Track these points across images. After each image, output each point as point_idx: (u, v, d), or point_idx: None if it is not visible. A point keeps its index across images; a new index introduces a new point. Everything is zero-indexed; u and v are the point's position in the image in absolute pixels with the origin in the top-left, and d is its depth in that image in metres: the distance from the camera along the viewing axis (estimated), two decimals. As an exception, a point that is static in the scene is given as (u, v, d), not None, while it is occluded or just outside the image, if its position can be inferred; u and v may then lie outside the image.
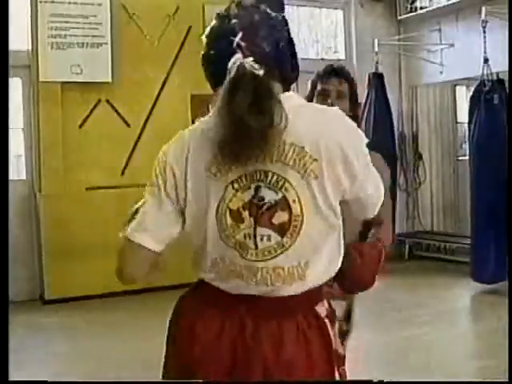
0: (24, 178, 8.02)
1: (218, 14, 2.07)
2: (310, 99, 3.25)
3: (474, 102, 7.80)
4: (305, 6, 9.84)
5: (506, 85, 7.96)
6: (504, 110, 7.60)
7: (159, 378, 2.16)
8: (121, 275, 2.21)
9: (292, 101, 1.91)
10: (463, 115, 9.44)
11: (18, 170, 8.03)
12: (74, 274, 7.57)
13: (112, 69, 7.95)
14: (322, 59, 9.93)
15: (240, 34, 1.90)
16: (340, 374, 1.97)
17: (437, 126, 10.28)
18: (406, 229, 9.99)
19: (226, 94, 1.85)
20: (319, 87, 3.34)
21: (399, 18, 10.03)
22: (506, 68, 8.17)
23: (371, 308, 5.61)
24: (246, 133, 1.77)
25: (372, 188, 1.97)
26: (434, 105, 10.29)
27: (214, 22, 2.10)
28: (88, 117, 7.99)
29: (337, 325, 2.05)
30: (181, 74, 8.50)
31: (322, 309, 1.96)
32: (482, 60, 7.54)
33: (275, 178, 1.84)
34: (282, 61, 1.95)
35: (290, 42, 1.99)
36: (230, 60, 1.88)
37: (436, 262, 9.14)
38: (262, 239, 1.86)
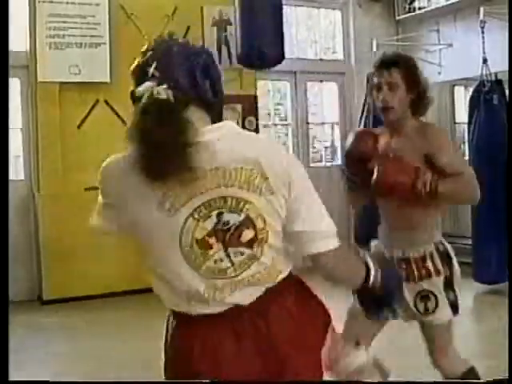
0: (22, 178, 8.01)
1: (141, 51, 2.13)
2: (370, 90, 3.43)
3: (474, 102, 7.79)
4: (303, 6, 9.84)
5: (505, 85, 7.97)
6: (503, 111, 7.59)
7: (159, 378, 2.16)
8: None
9: (225, 129, 2.01)
10: (461, 115, 9.43)
11: (16, 170, 8.03)
12: (73, 275, 7.57)
13: (110, 69, 7.95)
14: (321, 60, 9.94)
15: (154, 64, 2.00)
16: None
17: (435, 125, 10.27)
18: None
19: (136, 118, 1.94)
20: (372, 80, 3.40)
21: (397, 18, 10.04)
22: (505, 68, 8.16)
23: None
24: (160, 148, 1.86)
25: (307, 214, 2.04)
26: (432, 105, 10.27)
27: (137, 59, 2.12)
28: (86, 117, 7.99)
29: None
30: (179, 74, 8.50)
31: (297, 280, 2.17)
32: (481, 60, 7.54)
33: (234, 201, 1.95)
34: (199, 88, 2.01)
35: (208, 70, 2.05)
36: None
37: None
38: (235, 256, 1.99)
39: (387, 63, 3.32)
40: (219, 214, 1.95)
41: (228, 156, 1.94)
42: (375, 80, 3.36)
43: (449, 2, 9.05)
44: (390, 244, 3.40)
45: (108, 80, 7.97)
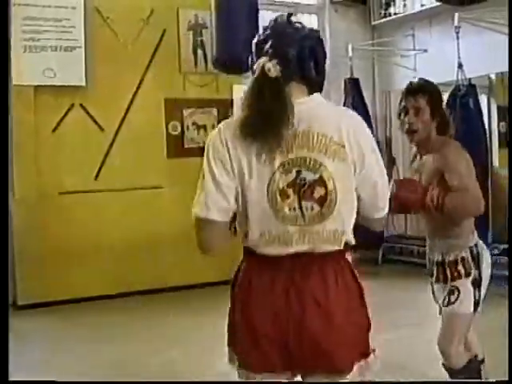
0: (-4, 182, 7.94)
1: (262, 28, 2.49)
2: (398, 114, 3.78)
3: (450, 106, 7.84)
4: (279, 10, 9.86)
5: (478, 90, 8.03)
6: (479, 115, 7.68)
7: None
8: (202, 249, 2.53)
9: (316, 100, 2.40)
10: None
11: (-10, 174, 7.96)
12: (48, 279, 7.53)
13: (86, 72, 7.92)
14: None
15: (269, 42, 2.37)
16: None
17: (410, 130, 10.32)
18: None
19: (248, 89, 2.35)
20: (400, 105, 3.79)
21: (373, 23, 10.10)
22: (478, 74, 8.24)
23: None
24: (263, 114, 2.28)
25: (379, 176, 2.42)
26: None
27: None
28: (61, 121, 7.95)
29: None
30: (155, 78, 8.49)
31: (349, 257, 2.44)
32: (456, 65, 7.59)
33: (312, 162, 2.30)
34: (304, 67, 2.37)
35: (314, 52, 2.39)
36: None
37: (409, 265, 9.18)
38: (307, 209, 2.33)
39: (413, 90, 3.74)
40: (298, 172, 2.31)
41: (314, 123, 2.31)
42: (403, 104, 3.74)
43: (424, 8, 9.12)
44: (431, 249, 3.86)
45: (83, 84, 7.93)
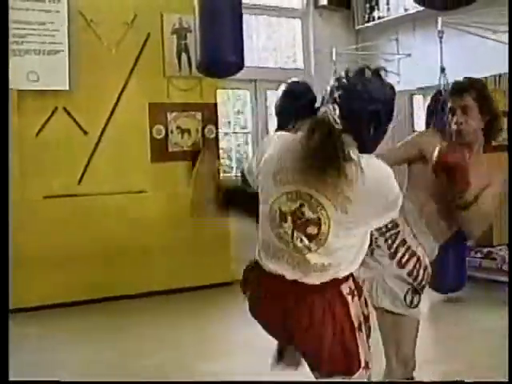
0: (-21, 186, 7.90)
1: (337, 78, 2.72)
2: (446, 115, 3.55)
3: (431, 110, 7.87)
4: (263, 14, 9.88)
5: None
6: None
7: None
8: None
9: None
10: (420, 124, 9.52)
11: (-27, 178, 7.92)
12: (29, 284, 7.48)
13: (69, 76, 7.88)
14: (281, 68, 9.97)
15: (339, 92, 2.58)
16: (363, 337, 2.67)
17: (394, 134, 10.28)
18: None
19: (307, 129, 2.51)
20: (447, 106, 3.59)
21: (357, 27, 10.12)
22: (461, 77, 8.26)
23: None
24: (315, 161, 2.45)
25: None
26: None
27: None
28: (45, 125, 7.91)
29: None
30: (139, 82, 8.47)
31: (345, 287, 2.64)
32: (439, 69, 7.62)
33: (315, 203, 2.54)
34: (360, 124, 2.55)
35: (378, 117, 2.61)
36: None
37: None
38: (296, 239, 2.58)
39: (458, 88, 3.54)
40: (301, 205, 2.55)
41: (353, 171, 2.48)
42: (449, 104, 3.55)
43: (407, 12, 9.15)
44: None
45: (67, 87, 7.90)
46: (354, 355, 2.64)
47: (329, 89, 2.65)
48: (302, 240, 2.57)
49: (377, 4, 9.82)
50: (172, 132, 8.77)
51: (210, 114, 9.02)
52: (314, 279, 2.59)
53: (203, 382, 4.94)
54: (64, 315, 7.35)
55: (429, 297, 4.39)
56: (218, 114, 9.19)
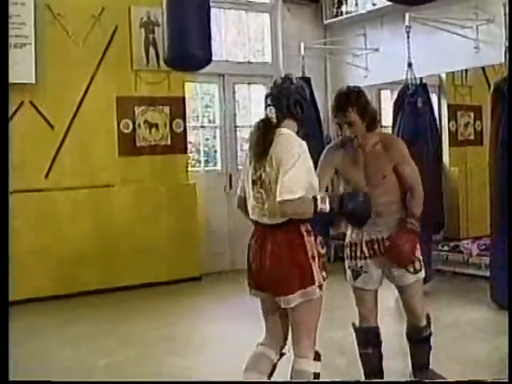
0: None
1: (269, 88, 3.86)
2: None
3: (398, 105, 7.93)
4: (231, 8, 9.86)
5: (429, 89, 8.11)
6: (427, 113, 7.78)
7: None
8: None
9: (280, 132, 3.67)
10: (388, 119, 9.56)
11: None
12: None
13: (36, 70, 7.81)
14: (249, 62, 9.96)
15: (270, 97, 3.74)
16: (317, 265, 3.57)
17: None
18: (331, 232, 10.07)
19: (256, 124, 3.76)
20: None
21: (325, 22, 10.14)
22: (429, 73, 8.34)
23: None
24: (256, 143, 3.69)
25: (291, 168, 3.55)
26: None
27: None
28: (11, 118, 7.83)
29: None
30: (106, 76, 8.43)
31: (303, 226, 3.59)
32: (406, 64, 7.66)
33: (264, 169, 3.64)
34: (291, 111, 3.70)
35: (299, 101, 3.72)
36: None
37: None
38: (258, 193, 3.69)
39: (340, 107, 4.15)
40: (261, 174, 3.65)
41: (273, 149, 3.61)
42: (336, 121, 4.23)
43: (375, 8, 9.18)
44: (374, 228, 4.22)
45: (33, 81, 7.83)
46: (307, 274, 3.52)
47: (264, 97, 3.78)
48: (261, 193, 3.66)
49: (345, -1, 9.85)
50: (140, 126, 8.73)
51: (178, 107, 9.00)
52: (277, 220, 3.58)
53: (202, 381, 4.92)
54: (27, 311, 7.26)
55: (396, 292, 4.44)
56: (186, 107, 9.16)
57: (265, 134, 3.66)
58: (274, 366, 3.74)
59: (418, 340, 4.36)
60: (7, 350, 2.21)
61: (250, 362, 3.73)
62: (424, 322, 4.34)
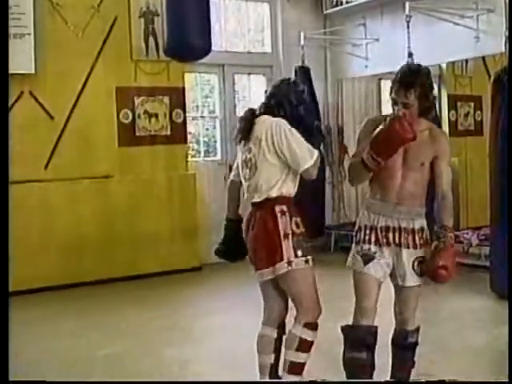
0: None
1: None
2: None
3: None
4: (230, -1, 9.84)
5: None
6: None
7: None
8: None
9: (263, 118, 4.07)
10: (388, 108, 9.54)
11: None
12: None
13: (35, 60, 7.79)
14: (249, 52, 9.94)
15: (267, 93, 4.21)
16: (290, 243, 3.90)
17: (362, 119, 10.29)
18: (331, 221, 10.09)
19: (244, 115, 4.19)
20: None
21: (325, 12, 10.12)
22: (429, 63, 8.28)
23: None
24: (241, 128, 4.12)
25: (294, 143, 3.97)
26: (359, 98, 10.41)
27: None
28: (10, 109, 7.81)
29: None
30: (106, 66, 8.41)
31: (278, 208, 3.93)
32: (406, 54, 7.65)
33: (250, 151, 4.03)
34: (279, 105, 4.08)
35: (289, 99, 4.10)
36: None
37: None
38: (247, 173, 4.06)
39: (402, 84, 3.97)
40: (248, 156, 4.04)
41: (256, 131, 4.01)
42: (392, 96, 4.08)
43: (375, -3, 9.15)
44: (386, 215, 3.98)
45: (33, 71, 7.82)
46: (278, 252, 3.86)
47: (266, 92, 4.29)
48: (247, 173, 4.05)
49: (345, -12, 9.83)
50: (139, 116, 8.72)
51: (178, 98, 8.99)
52: (256, 198, 3.99)
53: (201, 381, 4.92)
54: (24, 303, 7.25)
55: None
56: (186, 98, 9.15)
57: (248, 119, 4.10)
58: (279, 341, 4.07)
59: (403, 346, 4.06)
60: (7, 350, 2.20)
61: (257, 344, 4.11)
62: (412, 327, 4.05)
